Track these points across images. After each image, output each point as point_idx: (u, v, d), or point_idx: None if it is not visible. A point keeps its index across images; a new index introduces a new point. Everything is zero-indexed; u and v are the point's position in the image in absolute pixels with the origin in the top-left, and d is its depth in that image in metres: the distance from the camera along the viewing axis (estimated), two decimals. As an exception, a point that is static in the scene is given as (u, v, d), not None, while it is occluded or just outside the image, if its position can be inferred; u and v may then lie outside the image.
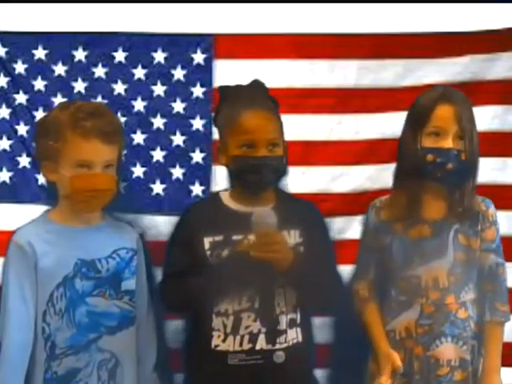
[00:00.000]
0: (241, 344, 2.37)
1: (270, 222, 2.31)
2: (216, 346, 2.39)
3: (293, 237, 2.43)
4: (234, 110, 2.43)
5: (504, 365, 2.65)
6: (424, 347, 2.49)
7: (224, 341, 2.38)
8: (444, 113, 2.46)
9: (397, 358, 2.45)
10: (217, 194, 2.57)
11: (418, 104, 2.54)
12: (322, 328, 2.77)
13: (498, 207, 2.63)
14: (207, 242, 2.40)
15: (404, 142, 2.54)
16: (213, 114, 2.77)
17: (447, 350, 2.48)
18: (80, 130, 2.34)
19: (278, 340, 2.38)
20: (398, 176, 2.58)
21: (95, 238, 2.42)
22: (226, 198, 2.49)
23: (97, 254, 2.40)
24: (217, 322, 2.39)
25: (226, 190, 2.54)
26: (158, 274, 2.58)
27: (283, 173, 2.47)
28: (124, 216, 2.62)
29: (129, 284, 2.43)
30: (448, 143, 2.44)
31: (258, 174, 2.39)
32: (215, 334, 2.39)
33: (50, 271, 2.34)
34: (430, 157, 2.46)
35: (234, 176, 2.46)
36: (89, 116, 2.36)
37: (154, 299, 2.54)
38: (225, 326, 2.38)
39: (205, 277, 2.36)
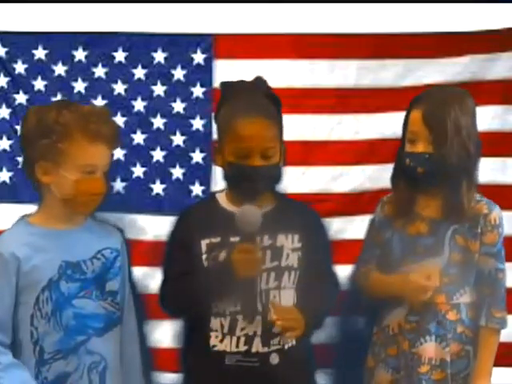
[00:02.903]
0: (237, 345, 2.36)
1: (254, 220, 2.31)
2: (213, 347, 2.38)
3: (290, 241, 2.42)
4: (231, 116, 2.39)
5: (502, 365, 2.66)
6: (410, 343, 2.48)
7: (221, 341, 2.38)
8: (414, 118, 2.45)
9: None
10: (213, 195, 2.54)
11: None
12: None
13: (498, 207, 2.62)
14: (204, 244, 2.39)
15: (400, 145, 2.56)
16: (213, 114, 2.77)
17: (430, 349, 2.46)
18: (91, 133, 2.31)
19: (271, 342, 2.38)
20: (392, 177, 2.59)
21: (79, 239, 2.38)
22: (223, 200, 2.47)
23: (81, 256, 2.36)
24: (215, 322, 2.38)
25: (222, 190, 2.53)
26: (158, 275, 2.57)
27: (278, 180, 2.45)
28: (105, 216, 2.60)
29: (112, 285, 2.40)
30: (419, 147, 2.44)
31: (252, 183, 2.37)
32: (213, 334, 2.38)
33: (34, 275, 2.30)
34: (407, 161, 2.47)
35: (228, 180, 2.45)
36: (100, 121, 2.34)
37: (135, 300, 2.53)
38: (222, 327, 2.38)
39: (202, 280, 2.36)
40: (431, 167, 2.43)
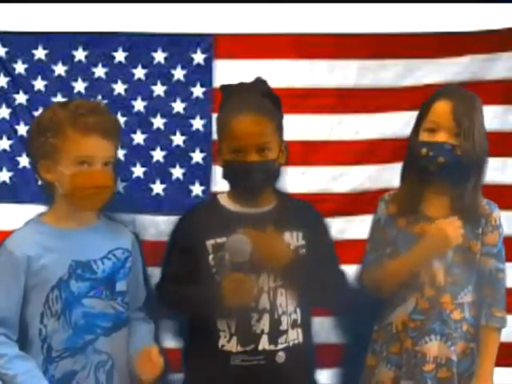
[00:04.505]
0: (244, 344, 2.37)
1: (244, 249, 2.31)
2: (222, 346, 2.38)
3: (295, 239, 2.42)
4: (225, 115, 2.43)
5: (502, 365, 2.66)
6: (413, 341, 2.49)
7: (229, 341, 2.38)
8: (441, 108, 2.46)
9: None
10: (214, 196, 2.56)
11: (424, 101, 2.55)
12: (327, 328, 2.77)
13: (498, 207, 2.63)
14: (209, 245, 2.39)
15: (409, 137, 2.55)
16: (213, 114, 2.77)
17: (434, 348, 2.47)
18: (81, 126, 2.33)
19: (279, 340, 2.38)
20: (403, 171, 2.59)
21: (90, 239, 2.39)
22: (225, 200, 2.48)
23: (92, 255, 2.38)
24: (221, 322, 2.39)
25: (223, 192, 2.53)
26: (157, 274, 2.58)
27: (276, 175, 2.45)
28: (119, 216, 2.60)
29: (122, 285, 2.41)
30: (441, 137, 2.44)
31: (247, 179, 2.38)
32: (222, 334, 2.38)
33: (44, 273, 2.32)
34: (424, 150, 2.46)
35: (227, 179, 2.46)
36: (89, 112, 2.35)
37: (148, 300, 2.53)
38: (229, 327, 2.38)
39: (207, 287, 2.36)
40: (452, 158, 2.43)
